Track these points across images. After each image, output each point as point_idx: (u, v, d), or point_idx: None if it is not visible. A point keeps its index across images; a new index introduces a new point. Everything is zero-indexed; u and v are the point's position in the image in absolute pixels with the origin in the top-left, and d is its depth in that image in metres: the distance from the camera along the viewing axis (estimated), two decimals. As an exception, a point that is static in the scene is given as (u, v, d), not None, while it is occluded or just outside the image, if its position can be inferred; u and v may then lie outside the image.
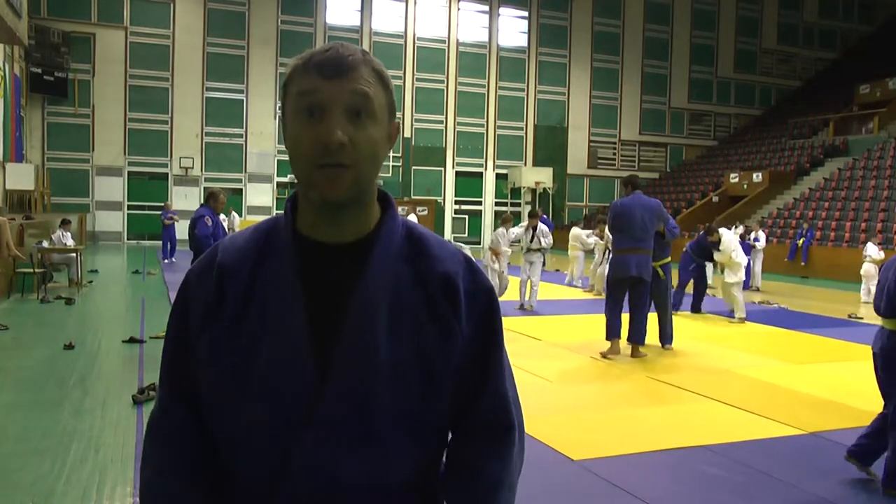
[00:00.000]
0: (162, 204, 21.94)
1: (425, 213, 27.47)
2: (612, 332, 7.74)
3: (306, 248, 1.12)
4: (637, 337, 7.76)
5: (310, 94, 1.06)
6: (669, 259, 8.45)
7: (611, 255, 8.46)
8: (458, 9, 29.82)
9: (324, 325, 1.08)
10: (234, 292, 1.11)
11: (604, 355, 7.66)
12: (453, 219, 29.87)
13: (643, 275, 7.59)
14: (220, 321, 1.10)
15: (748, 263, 15.94)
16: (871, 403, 5.90)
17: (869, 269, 14.03)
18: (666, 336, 8.20)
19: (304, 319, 1.08)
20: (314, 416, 1.07)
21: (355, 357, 1.08)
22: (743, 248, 16.02)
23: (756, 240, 16.00)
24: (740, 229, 17.68)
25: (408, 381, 1.10)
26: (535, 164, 30.67)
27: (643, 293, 7.75)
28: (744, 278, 10.97)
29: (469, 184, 30.08)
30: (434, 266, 1.15)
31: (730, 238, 10.84)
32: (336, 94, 1.06)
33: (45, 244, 12.58)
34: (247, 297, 1.10)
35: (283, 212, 1.19)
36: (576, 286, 14.36)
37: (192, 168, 26.17)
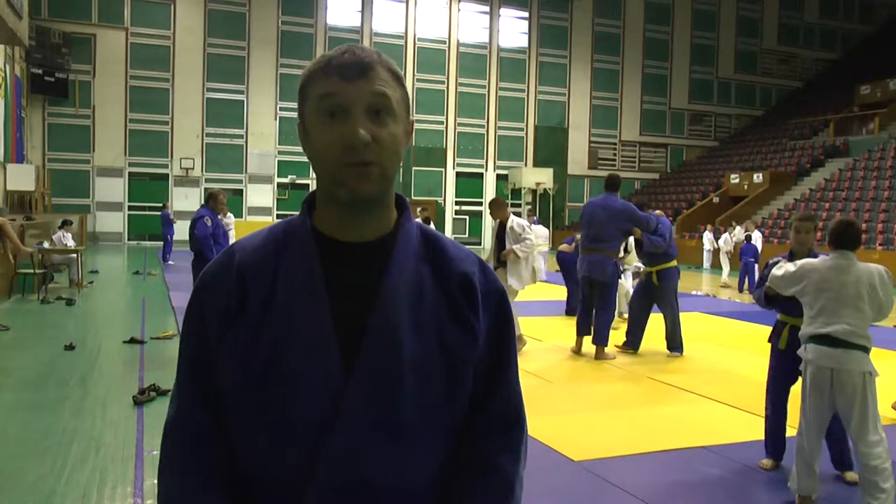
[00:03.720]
0: (161, 204, 21.85)
1: (426, 213, 27.48)
2: (578, 329, 7.85)
3: (326, 247, 1.13)
4: (597, 338, 7.60)
5: (331, 97, 1.09)
6: (673, 264, 7.91)
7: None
8: (459, 9, 29.84)
9: (348, 323, 1.09)
10: (256, 292, 1.11)
11: (573, 350, 7.92)
12: (454, 219, 29.89)
13: (593, 275, 7.51)
14: (243, 322, 1.10)
15: (750, 266, 15.97)
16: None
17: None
18: (672, 343, 7.92)
19: (328, 317, 1.09)
20: (340, 414, 1.07)
21: (381, 354, 1.09)
22: (748, 252, 16.06)
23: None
24: (738, 231, 17.64)
25: (432, 378, 1.12)
26: (536, 164, 30.68)
27: (602, 294, 7.58)
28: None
29: (469, 184, 30.09)
30: (453, 266, 1.17)
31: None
32: (357, 94, 1.09)
33: (46, 245, 12.59)
34: (270, 296, 1.11)
35: (288, 214, 1.19)
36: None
37: (193, 169, 26.19)
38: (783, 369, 4.36)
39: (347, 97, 1.09)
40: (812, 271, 3.83)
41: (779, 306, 4.36)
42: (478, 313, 1.16)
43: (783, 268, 4.01)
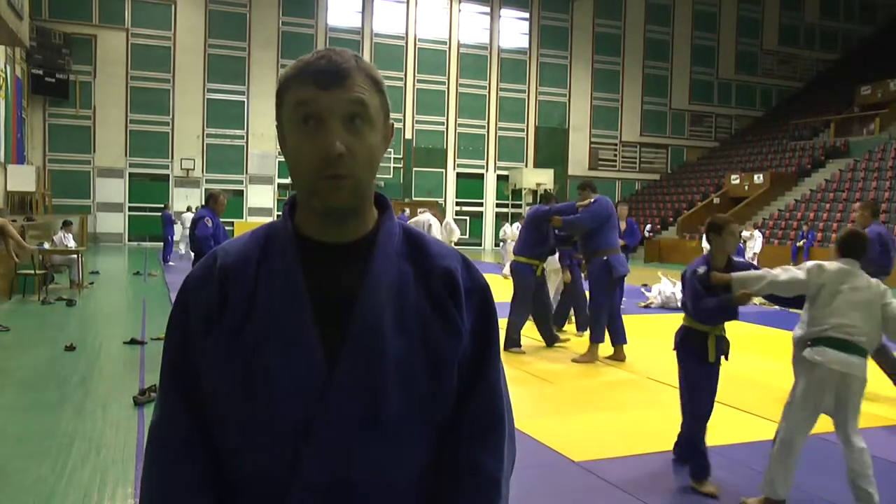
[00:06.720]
0: (162, 205, 21.88)
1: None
2: (621, 337, 7.89)
3: (308, 249, 1.13)
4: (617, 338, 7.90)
5: (306, 105, 1.08)
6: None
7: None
8: (459, 10, 29.85)
9: (330, 324, 1.09)
10: (237, 295, 1.11)
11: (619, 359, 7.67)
12: (454, 220, 29.87)
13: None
14: (225, 324, 1.11)
15: None
16: (872, 404, 5.91)
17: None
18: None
19: (310, 317, 1.09)
20: (324, 413, 1.07)
21: (363, 354, 1.09)
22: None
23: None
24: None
25: (415, 377, 1.11)
26: (536, 165, 30.68)
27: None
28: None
29: (470, 185, 30.08)
30: (435, 263, 1.17)
31: None
32: (332, 103, 1.07)
33: (47, 246, 12.60)
34: (251, 298, 1.11)
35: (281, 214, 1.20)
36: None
37: (194, 169, 26.20)
38: (715, 382, 4.25)
39: (323, 106, 1.07)
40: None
41: (724, 316, 4.21)
42: (461, 310, 1.15)
43: (789, 271, 4.00)
